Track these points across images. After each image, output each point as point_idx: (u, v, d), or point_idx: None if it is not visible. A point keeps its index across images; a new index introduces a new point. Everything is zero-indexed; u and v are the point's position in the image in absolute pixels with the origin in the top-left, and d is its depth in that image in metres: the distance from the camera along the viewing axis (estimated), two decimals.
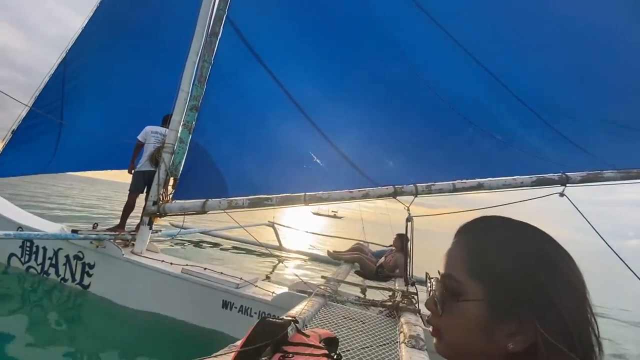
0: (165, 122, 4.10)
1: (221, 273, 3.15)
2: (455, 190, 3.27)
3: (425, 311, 2.70)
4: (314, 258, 7.35)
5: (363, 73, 3.38)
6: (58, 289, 3.43)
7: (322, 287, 2.95)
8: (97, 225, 3.79)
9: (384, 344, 2.00)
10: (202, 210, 3.44)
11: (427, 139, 3.46)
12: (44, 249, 3.62)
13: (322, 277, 3.63)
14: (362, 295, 3.41)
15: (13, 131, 4.44)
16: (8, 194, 9.79)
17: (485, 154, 3.41)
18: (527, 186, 3.23)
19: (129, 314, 3.10)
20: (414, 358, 1.74)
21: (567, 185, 3.17)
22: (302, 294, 2.80)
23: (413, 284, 3.01)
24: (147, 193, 3.86)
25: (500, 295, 0.42)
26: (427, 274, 0.53)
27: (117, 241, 3.50)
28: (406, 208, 3.14)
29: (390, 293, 3.47)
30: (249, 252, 7.41)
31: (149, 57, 4.78)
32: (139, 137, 4.17)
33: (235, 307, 2.92)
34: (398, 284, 3.95)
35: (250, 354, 1.12)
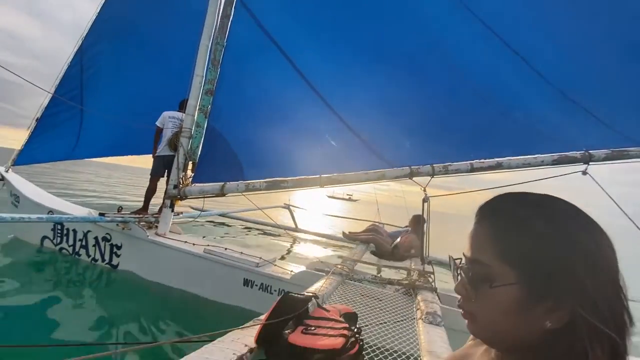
0: (182, 106, 4.16)
1: (241, 253, 3.26)
2: (473, 170, 3.22)
3: (441, 289, 2.75)
4: (330, 239, 7.46)
5: (379, 51, 3.30)
6: (90, 268, 3.65)
7: (339, 266, 3.02)
8: (121, 209, 3.96)
9: (401, 320, 2.05)
10: (221, 193, 3.53)
11: (444, 119, 3.39)
12: (74, 231, 3.82)
13: (339, 256, 3.70)
14: (378, 274, 3.47)
15: (37, 119, 4.62)
16: (44, 182, 10.28)
17: (504, 133, 3.32)
18: (547, 165, 3.15)
19: (156, 290, 3.29)
20: (431, 333, 1.78)
21: (590, 163, 3.08)
22: (320, 273, 2.88)
23: (429, 263, 3.04)
24: (168, 177, 3.98)
25: (535, 276, 0.41)
26: (450, 257, 0.52)
27: (141, 223, 3.66)
28: (422, 189, 3.13)
29: (406, 272, 3.51)
30: (266, 233, 7.59)
31: (163, 41, 4.79)
32: (157, 123, 4.26)
33: (256, 285, 3.04)
34: (414, 264, 3.99)
35: (274, 326, 1.19)
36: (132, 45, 4.75)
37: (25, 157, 4.75)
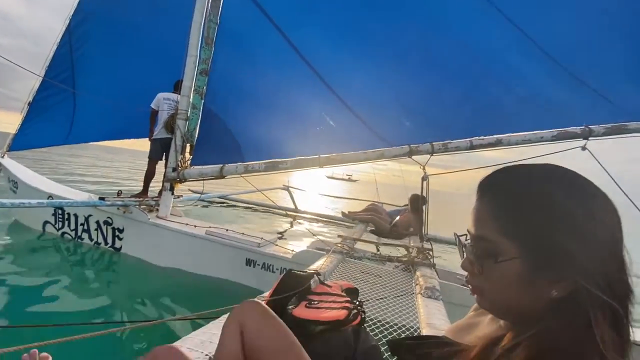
0: (177, 87, 4.08)
1: (243, 234, 3.30)
2: (472, 147, 3.22)
3: (439, 265, 2.80)
4: (329, 219, 7.53)
5: (377, 28, 3.21)
6: (92, 251, 3.69)
7: (340, 245, 3.07)
8: (121, 192, 3.96)
9: (401, 295, 2.11)
10: (220, 175, 3.52)
11: (444, 97, 3.35)
12: (75, 215, 3.84)
13: (339, 236, 3.76)
14: (377, 252, 3.53)
15: (29, 103, 4.53)
16: (48, 169, 10.22)
17: (503, 109, 3.29)
18: (547, 141, 3.14)
19: (160, 271, 3.34)
20: (430, 307, 1.84)
21: (590, 138, 3.07)
22: (321, 252, 2.93)
23: (428, 240, 3.09)
24: (166, 160, 3.96)
25: (537, 249, 0.42)
26: (455, 234, 0.53)
27: (142, 207, 3.67)
28: (422, 167, 3.14)
29: (405, 250, 3.57)
30: (266, 214, 7.65)
31: (154, 18, 4.62)
32: (152, 105, 4.19)
33: (258, 265, 3.10)
34: (412, 241, 4.05)
35: (278, 302, 1.22)
36: (122, 23, 4.58)
37: (20, 142, 4.69)
